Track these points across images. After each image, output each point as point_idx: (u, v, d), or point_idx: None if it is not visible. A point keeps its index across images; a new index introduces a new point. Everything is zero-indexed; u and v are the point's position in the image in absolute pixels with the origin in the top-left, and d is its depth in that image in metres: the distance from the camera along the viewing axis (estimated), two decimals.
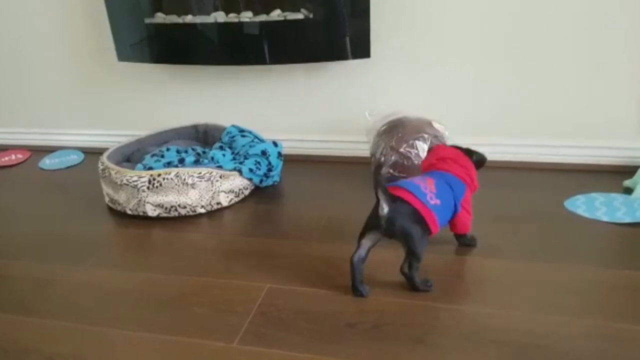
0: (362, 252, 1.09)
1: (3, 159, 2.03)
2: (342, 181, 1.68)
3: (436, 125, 1.54)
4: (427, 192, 1.10)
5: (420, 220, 1.07)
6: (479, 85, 1.65)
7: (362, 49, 1.63)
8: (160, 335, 1.03)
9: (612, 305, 1.03)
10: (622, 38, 1.50)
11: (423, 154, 1.46)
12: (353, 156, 1.82)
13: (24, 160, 2.04)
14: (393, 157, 1.49)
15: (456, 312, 1.04)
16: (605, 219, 1.33)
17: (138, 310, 1.12)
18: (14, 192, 1.78)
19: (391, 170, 1.50)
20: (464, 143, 1.55)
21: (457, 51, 1.63)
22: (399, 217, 1.05)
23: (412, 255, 1.08)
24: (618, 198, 1.41)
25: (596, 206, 1.38)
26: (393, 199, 1.06)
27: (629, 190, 1.45)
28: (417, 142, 1.48)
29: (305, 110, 1.84)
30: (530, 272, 1.15)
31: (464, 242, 1.25)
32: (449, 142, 1.56)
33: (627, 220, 1.31)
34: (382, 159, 1.51)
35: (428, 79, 1.69)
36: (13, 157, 2.05)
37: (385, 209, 1.05)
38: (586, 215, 1.35)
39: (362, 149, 1.77)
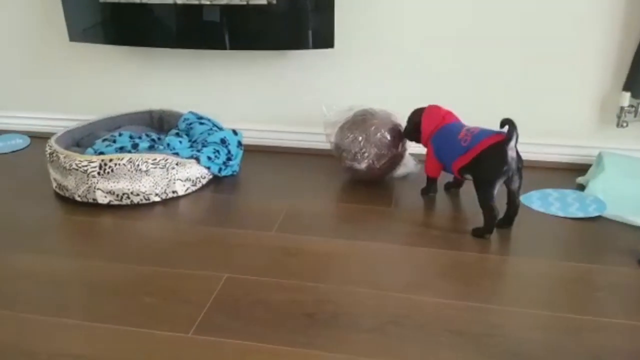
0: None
1: None
2: (302, 172, 1.66)
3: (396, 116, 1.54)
4: None
5: None
6: (438, 81, 1.66)
7: (325, 39, 1.61)
8: (107, 325, 0.98)
9: (565, 297, 1.06)
10: (578, 39, 1.54)
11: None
12: (314, 148, 1.80)
13: None
14: (374, 150, 1.47)
15: (413, 302, 1.04)
16: (559, 213, 1.36)
17: (85, 299, 1.06)
18: None
19: (373, 161, 1.48)
20: None
21: (419, 47, 1.64)
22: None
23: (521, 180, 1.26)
24: (571, 194, 1.45)
25: (550, 201, 1.42)
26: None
27: (581, 187, 1.49)
28: (387, 133, 1.48)
29: (266, 99, 1.80)
30: (486, 265, 1.16)
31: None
32: None
33: (580, 215, 1.35)
34: (358, 153, 1.48)
35: (390, 72, 1.68)
36: None
37: (514, 150, 1.20)
38: (541, 210, 1.38)
39: (323, 141, 1.75)
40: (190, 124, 1.68)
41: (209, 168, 1.56)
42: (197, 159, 1.52)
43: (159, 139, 1.64)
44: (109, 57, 1.86)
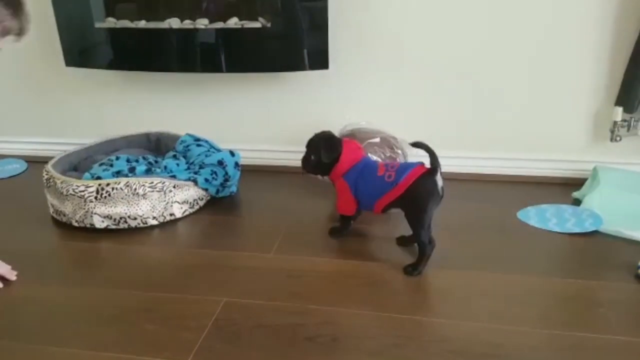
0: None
1: None
2: (299, 192, 1.66)
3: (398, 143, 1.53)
4: None
5: None
6: (434, 99, 1.68)
7: (320, 60, 1.62)
8: (108, 353, 0.97)
9: (564, 314, 1.06)
10: (570, 55, 1.56)
11: None
12: None
13: None
14: None
15: (414, 324, 1.03)
16: (556, 229, 1.37)
17: (84, 327, 1.05)
18: None
19: None
20: (419, 156, 1.57)
21: (414, 67, 1.65)
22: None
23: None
24: (567, 209, 1.46)
25: (547, 217, 1.42)
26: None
27: (577, 202, 1.50)
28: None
29: (262, 120, 1.81)
30: (485, 283, 1.16)
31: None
32: (406, 152, 1.57)
33: (577, 230, 1.35)
34: None
35: (385, 92, 1.70)
36: None
37: (441, 179, 1.19)
38: (538, 226, 1.39)
39: None
40: (188, 146, 1.69)
41: (206, 190, 1.56)
42: (195, 181, 1.53)
43: (156, 161, 1.65)
44: (105, 82, 1.87)
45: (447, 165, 1.70)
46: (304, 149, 1.80)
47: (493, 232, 1.37)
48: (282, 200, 1.61)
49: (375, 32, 1.64)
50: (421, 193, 1.18)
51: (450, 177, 1.69)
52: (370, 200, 1.26)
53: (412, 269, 1.19)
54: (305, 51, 1.62)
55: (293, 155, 1.82)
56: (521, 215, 1.44)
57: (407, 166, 1.21)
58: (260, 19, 1.60)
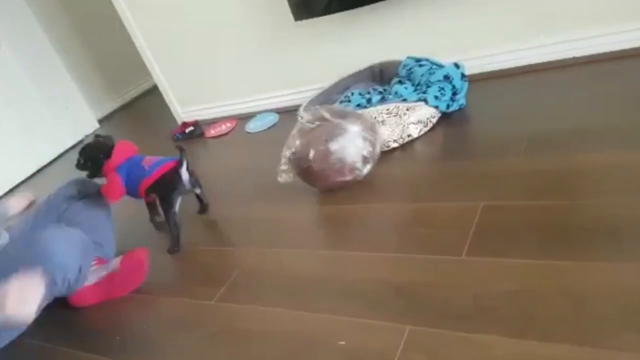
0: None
1: (216, 129, 2.33)
2: (537, 91, 1.57)
3: None
4: None
5: None
6: None
7: None
8: (389, 254, 1.15)
9: None
10: None
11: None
12: (551, 61, 1.66)
13: (233, 128, 2.30)
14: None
15: None
16: None
17: (367, 234, 1.25)
18: (230, 157, 2.04)
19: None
20: None
21: None
22: None
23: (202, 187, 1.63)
24: None
25: None
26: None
27: None
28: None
29: (484, 19, 1.71)
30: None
31: None
32: None
33: None
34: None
35: None
36: (224, 127, 2.33)
37: (186, 173, 1.51)
38: None
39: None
40: (410, 68, 1.74)
41: (437, 107, 1.60)
42: (425, 100, 1.59)
43: (385, 90, 1.75)
44: (328, 27, 1.97)
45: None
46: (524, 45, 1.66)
47: None
48: (518, 104, 1.55)
49: None
50: (167, 184, 1.50)
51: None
52: (135, 186, 1.54)
53: (170, 248, 1.52)
54: None
55: (524, 52, 1.71)
56: None
57: (162, 161, 1.52)
58: None
